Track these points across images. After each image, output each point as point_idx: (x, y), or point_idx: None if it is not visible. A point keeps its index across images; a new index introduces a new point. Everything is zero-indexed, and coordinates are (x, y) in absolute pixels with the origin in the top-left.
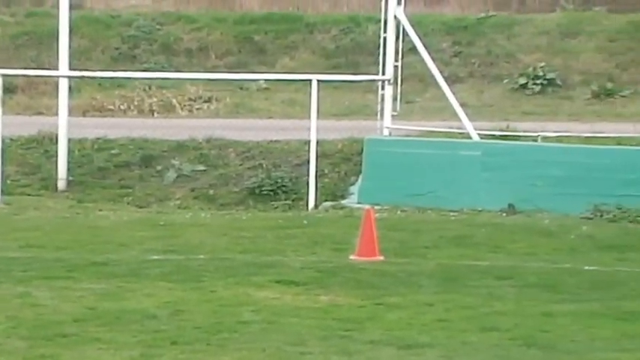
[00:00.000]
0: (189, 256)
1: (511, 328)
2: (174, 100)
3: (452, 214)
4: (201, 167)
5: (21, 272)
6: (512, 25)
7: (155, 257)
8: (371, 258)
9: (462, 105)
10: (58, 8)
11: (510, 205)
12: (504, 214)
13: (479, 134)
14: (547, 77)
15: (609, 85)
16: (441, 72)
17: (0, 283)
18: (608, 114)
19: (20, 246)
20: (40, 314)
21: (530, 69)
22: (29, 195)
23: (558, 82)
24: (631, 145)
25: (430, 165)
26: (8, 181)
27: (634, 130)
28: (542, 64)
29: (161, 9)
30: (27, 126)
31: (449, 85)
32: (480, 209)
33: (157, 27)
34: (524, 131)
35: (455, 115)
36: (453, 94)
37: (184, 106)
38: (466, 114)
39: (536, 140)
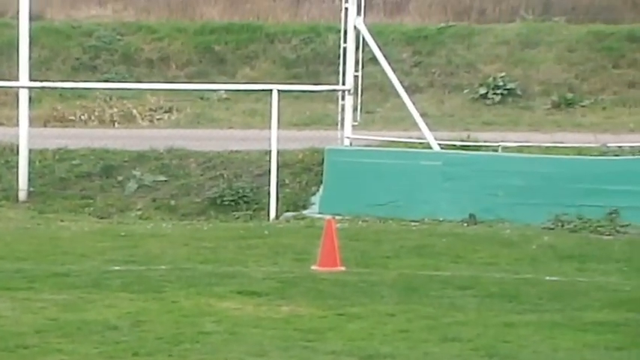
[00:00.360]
0: (150, 266)
1: (473, 338)
2: (134, 111)
3: (413, 224)
4: (162, 177)
5: None
6: (472, 35)
7: (116, 268)
8: (332, 268)
9: (423, 115)
10: (18, 19)
11: (471, 215)
12: (465, 224)
13: (439, 144)
14: (507, 87)
15: (569, 95)
16: (401, 82)
17: None
18: (568, 124)
19: None
20: (0, 326)
21: (491, 79)
22: None
23: (518, 92)
24: (591, 155)
25: (391, 175)
26: None
27: (594, 139)
28: (502, 74)
29: (122, 19)
30: None
31: (409, 95)
32: (440, 219)
33: (118, 37)
34: (485, 141)
35: (415, 125)
36: (414, 104)
37: (145, 116)
38: (426, 124)
39: (496, 150)
